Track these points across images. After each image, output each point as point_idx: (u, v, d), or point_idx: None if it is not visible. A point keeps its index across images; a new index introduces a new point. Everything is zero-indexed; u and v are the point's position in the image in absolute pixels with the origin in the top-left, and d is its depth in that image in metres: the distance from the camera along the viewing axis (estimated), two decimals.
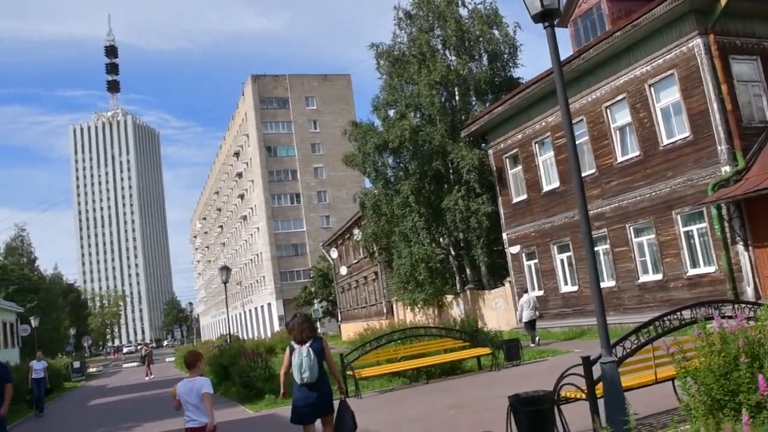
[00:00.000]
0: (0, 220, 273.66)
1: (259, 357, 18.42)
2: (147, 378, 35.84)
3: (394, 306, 40.16)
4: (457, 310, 31.49)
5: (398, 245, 31.58)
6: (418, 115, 31.28)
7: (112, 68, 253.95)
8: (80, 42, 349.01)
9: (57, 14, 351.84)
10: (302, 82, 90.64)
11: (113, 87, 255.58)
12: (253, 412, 15.58)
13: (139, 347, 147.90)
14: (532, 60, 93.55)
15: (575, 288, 23.33)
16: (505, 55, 31.08)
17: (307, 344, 7.58)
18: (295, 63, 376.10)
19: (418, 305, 33.24)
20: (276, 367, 19.62)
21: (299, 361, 7.47)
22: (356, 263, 48.20)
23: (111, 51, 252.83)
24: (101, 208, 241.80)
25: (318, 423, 7.80)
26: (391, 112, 31.92)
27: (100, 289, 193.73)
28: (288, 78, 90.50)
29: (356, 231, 43.70)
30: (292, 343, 7.71)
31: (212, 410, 7.33)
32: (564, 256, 23.91)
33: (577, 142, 21.91)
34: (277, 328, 76.78)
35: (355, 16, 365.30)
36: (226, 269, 27.96)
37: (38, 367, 22.57)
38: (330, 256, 55.24)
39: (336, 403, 7.82)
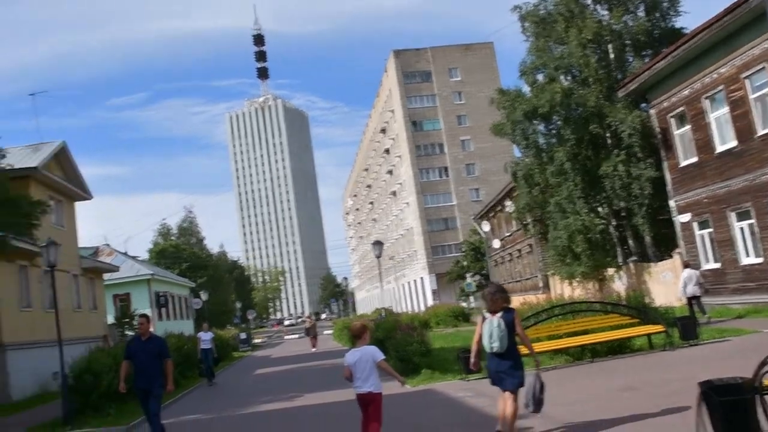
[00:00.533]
0: (170, 203, 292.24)
1: (415, 331, 17.84)
2: (313, 349, 36.54)
3: (550, 280, 38.64)
4: (619, 285, 29.71)
5: (553, 216, 30.02)
6: (569, 78, 29.49)
7: (261, 56, 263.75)
8: (231, 34, 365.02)
9: (209, 10, 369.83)
10: (444, 54, 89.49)
11: (263, 74, 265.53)
12: (411, 386, 15.13)
13: (299, 320, 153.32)
14: (696, 6, 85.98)
15: (759, 260, 20.79)
16: (665, 4, 28.58)
17: (499, 314, 7.70)
18: (437, 36, 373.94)
19: (576, 279, 31.60)
20: (433, 342, 19.09)
21: (489, 330, 7.65)
22: (509, 236, 46.92)
23: (258, 39, 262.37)
24: (259, 189, 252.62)
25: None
26: (540, 77, 30.32)
27: (262, 265, 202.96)
28: (430, 51, 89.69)
29: (508, 203, 42.37)
30: (484, 312, 7.88)
31: (393, 371, 8.29)
32: (744, 224, 21.33)
33: (756, 94, 19.73)
34: (430, 302, 76.80)
35: None
36: (378, 244, 27.68)
37: (205, 337, 22.90)
38: (481, 229, 54.10)
39: (529, 377, 7.98)
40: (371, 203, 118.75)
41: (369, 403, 7.79)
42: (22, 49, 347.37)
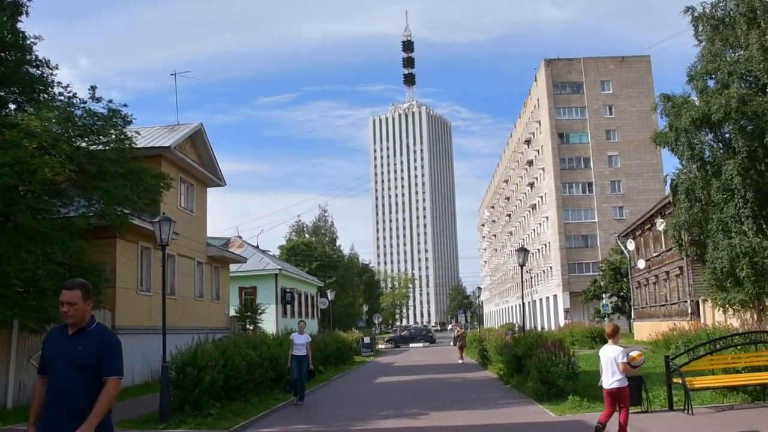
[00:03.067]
0: (306, 203, 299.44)
1: (562, 351, 15.70)
2: (460, 360, 34.23)
3: (701, 306, 35.15)
4: None
5: (715, 236, 26.85)
6: (744, 84, 26.29)
7: (408, 62, 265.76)
8: (382, 40, 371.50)
9: (363, 15, 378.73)
10: (597, 66, 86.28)
11: (409, 80, 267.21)
12: (555, 414, 13.50)
13: (429, 326, 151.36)
14: None
15: None
16: None
17: None
18: (590, 51, 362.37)
19: (734, 307, 28.21)
20: (580, 365, 16.87)
21: None
22: (657, 257, 43.40)
23: (407, 46, 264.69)
24: (395, 195, 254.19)
25: None
26: (711, 83, 27.29)
27: (392, 270, 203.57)
28: (582, 61, 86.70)
29: (659, 220, 39.09)
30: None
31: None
32: None
33: None
34: (562, 321, 73.50)
35: None
36: (523, 251, 25.45)
37: (299, 341, 17.45)
38: (626, 248, 50.69)
39: None
40: (508, 216, 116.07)
41: (615, 395, 9.30)
42: (184, 45, 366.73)
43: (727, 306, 28.43)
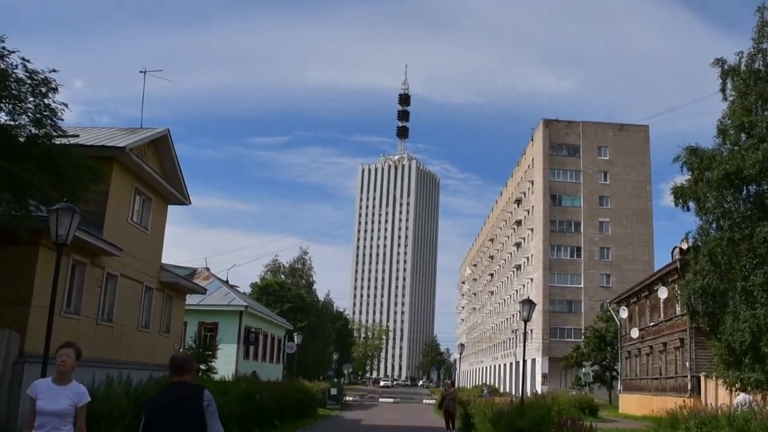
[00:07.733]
0: (283, 239, 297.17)
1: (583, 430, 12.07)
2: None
3: (703, 382, 32.09)
4: None
5: (737, 306, 23.77)
6: None
7: (403, 115, 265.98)
8: (381, 93, 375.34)
9: (366, 67, 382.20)
10: (596, 131, 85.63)
11: (402, 133, 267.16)
12: None
13: (395, 383, 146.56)
14: None
15: None
16: None
17: None
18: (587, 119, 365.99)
19: (749, 387, 25.04)
20: None
21: None
22: (653, 326, 40.37)
23: (404, 99, 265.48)
24: (377, 246, 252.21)
25: None
26: (743, 137, 24.67)
27: (366, 321, 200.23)
28: (581, 125, 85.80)
29: (661, 288, 36.18)
30: None
31: None
32: None
33: None
34: (539, 387, 69.91)
35: (651, 76, 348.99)
36: (528, 303, 22.62)
37: (54, 405, 6.32)
38: (618, 315, 47.65)
39: None
40: (491, 275, 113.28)
41: None
42: (182, 76, 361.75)
43: (738, 385, 25.33)
